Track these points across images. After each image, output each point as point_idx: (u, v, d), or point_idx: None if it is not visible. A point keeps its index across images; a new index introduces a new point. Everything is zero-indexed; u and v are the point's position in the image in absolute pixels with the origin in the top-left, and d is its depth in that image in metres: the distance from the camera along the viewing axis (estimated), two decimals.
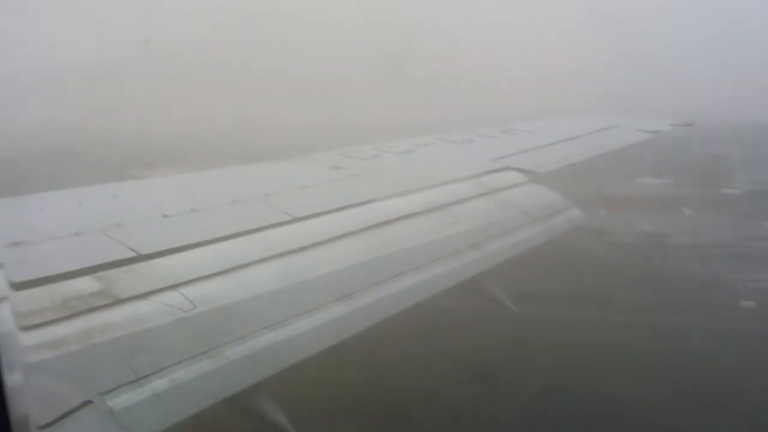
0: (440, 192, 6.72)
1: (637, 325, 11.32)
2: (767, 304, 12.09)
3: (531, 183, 7.76)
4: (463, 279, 5.61)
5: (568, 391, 9.13)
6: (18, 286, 3.60)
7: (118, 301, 3.71)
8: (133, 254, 4.21)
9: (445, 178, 7.16)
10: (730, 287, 13.48)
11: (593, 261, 14.78)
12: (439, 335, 9.97)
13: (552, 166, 8.57)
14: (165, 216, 5.02)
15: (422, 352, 9.86)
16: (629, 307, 11.94)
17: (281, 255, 4.70)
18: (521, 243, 6.48)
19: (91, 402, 2.98)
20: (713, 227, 18.46)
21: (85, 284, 3.78)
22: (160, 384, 3.29)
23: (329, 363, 4.56)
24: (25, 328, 3.28)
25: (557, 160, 8.90)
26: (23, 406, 1.81)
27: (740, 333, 10.99)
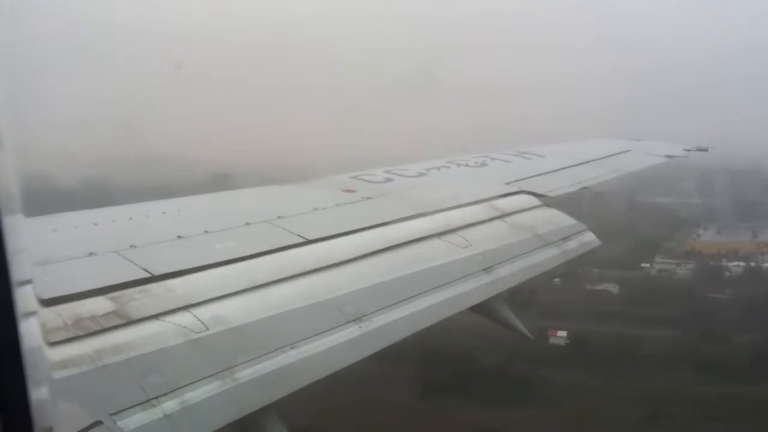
0: (453, 215, 6.70)
1: None
2: None
3: (544, 206, 7.73)
4: (475, 302, 5.58)
5: None
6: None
7: (130, 322, 3.71)
8: (147, 275, 4.23)
9: (457, 201, 7.15)
10: None
11: None
12: None
13: (565, 190, 8.55)
14: (179, 237, 5.05)
15: None
16: None
17: (293, 277, 4.70)
18: (534, 267, 6.44)
19: (101, 422, 2.97)
20: None
21: (98, 304, 3.80)
22: (170, 405, 3.28)
23: None
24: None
25: (570, 183, 8.88)
26: (47, 420, 1.82)
27: None
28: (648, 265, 58.16)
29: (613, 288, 50.45)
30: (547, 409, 29.30)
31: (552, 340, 39.29)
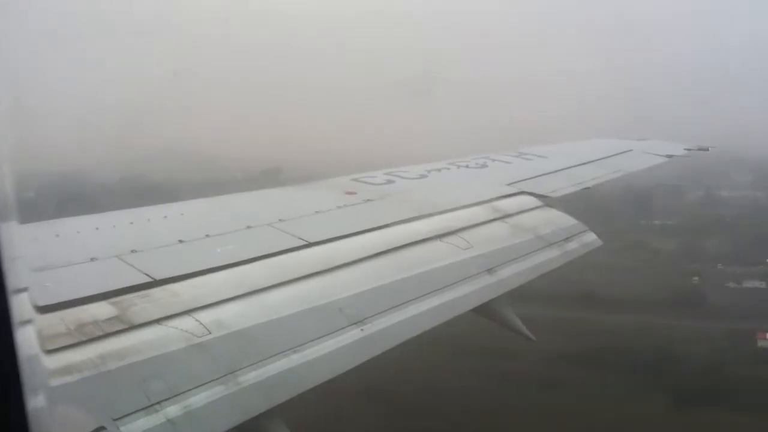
0: (454, 217, 6.70)
1: None
2: None
3: (545, 207, 7.72)
4: (477, 304, 5.57)
5: None
6: (36, 311, 3.63)
7: (132, 327, 3.72)
8: (149, 279, 4.23)
9: (458, 203, 7.14)
10: None
11: None
12: None
13: (566, 191, 8.54)
14: (180, 241, 5.05)
15: None
16: None
17: (295, 280, 4.70)
18: (536, 268, 6.43)
19: (104, 428, 2.97)
20: None
21: (100, 310, 3.80)
22: (173, 410, 3.28)
23: None
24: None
25: (571, 184, 8.87)
26: (45, 428, 1.82)
27: None
28: None
29: (761, 284, 49.39)
30: None
31: (761, 343, 37.52)
